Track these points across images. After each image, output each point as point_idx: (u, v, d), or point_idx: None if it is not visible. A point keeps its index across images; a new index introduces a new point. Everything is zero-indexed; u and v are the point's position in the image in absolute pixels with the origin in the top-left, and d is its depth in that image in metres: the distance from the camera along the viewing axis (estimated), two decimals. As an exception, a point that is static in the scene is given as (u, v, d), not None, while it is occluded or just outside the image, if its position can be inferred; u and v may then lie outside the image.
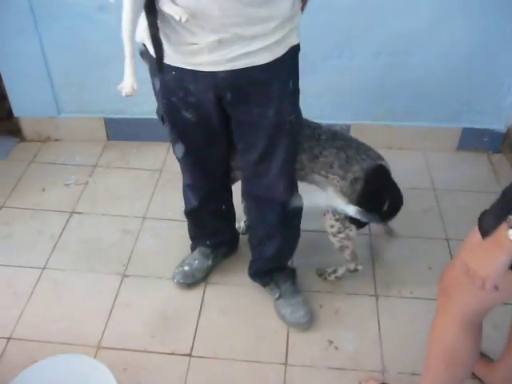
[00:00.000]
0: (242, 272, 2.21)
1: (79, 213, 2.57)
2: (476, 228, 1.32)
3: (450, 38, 2.58)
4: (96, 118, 3.00)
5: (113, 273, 2.26)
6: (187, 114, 1.70)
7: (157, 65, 1.57)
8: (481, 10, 2.50)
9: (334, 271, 2.20)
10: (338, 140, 1.95)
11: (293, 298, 2.10)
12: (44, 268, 2.28)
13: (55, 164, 2.89)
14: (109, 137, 3.06)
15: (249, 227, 2.17)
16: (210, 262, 2.21)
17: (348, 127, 2.88)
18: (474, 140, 2.92)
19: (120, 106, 2.94)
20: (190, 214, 2.14)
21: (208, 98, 1.63)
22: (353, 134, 2.89)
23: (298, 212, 1.98)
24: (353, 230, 1.98)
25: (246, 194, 2.02)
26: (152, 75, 1.71)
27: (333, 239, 2.04)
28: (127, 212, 2.57)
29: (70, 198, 2.65)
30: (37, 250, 2.36)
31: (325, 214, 1.99)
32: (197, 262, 2.20)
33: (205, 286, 2.20)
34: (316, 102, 2.62)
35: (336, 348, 2.00)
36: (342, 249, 2.07)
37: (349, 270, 2.17)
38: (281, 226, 1.97)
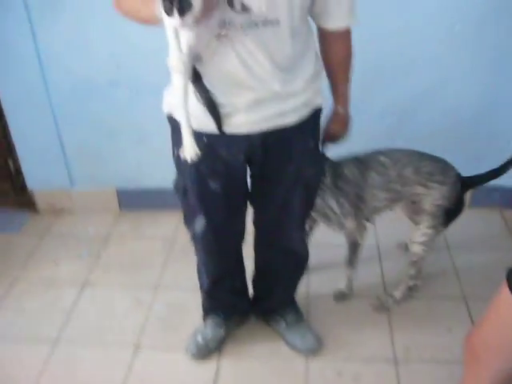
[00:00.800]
0: (255, 341, 2.20)
1: (92, 284, 2.56)
2: (504, 285, 1.26)
3: (455, 99, 2.62)
4: (109, 189, 3.05)
5: (125, 345, 2.22)
6: (213, 185, 1.69)
7: (216, 124, 1.55)
8: (483, 69, 2.55)
9: (392, 296, 2.30)
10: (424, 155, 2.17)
11: (299, 326, 2.17)
12: (56, 341, 2.25)
13: (68, 236, 2.91)
14: (121, 207, 3.09)
15: (257, 272, 2.15)
16: (222, 332, 2.16)
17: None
18: (486, 197, 2.90)
19: (132, 176, 2.99)
20: (204, 291, 2.11)
21: (238, 162, 1.67)
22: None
23: (305, 260, 2.09)
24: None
25: (260, 243, 2.03)
26: (176, 144, 1.62)
27: (418, 249, 2.19)
28: (140, 282, 2.56)
29: (82, 269, 2.65)
30: (49, 324, 2.34)
31: (418, 223, 2.16)
32: (209, 332, 2.15)
33: (219, 357, 2.15)
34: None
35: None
36: (417, 262, 2.23)
37: (409, 288, 2.28)
38: (291, 274, 2.10)
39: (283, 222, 1.87)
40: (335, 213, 2.11)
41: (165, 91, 1.69)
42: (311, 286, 2.45)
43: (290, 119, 1.61)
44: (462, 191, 2.18)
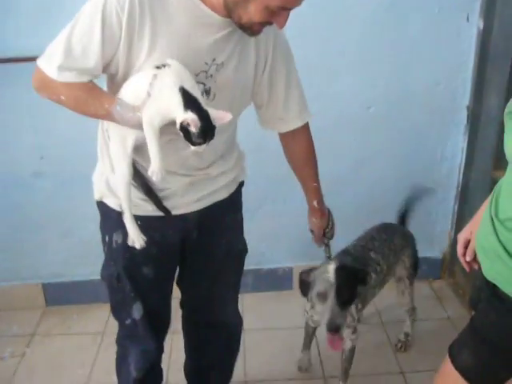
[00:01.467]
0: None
1: (16, 388, 2.39)
2: (447, 359, 1.48)
3: (375, 175, 2.74)
4: (33, 284, 2.91)
5: None
6: (146, 269, 1.65)
7: (161, 210, 1.54)
8: (401, 147, 2.71)
9: (406, 334, 2.53)
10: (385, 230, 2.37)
11: None
12: None
13: (-10, 337, 2.73)
14: (47, 302, 2.95)
15: (189, 357, 2.07)
16: None
17: (291, 269, 2.91)
18: (414, 269, 2.98)
19: (58, 269, 2.88)
20: None
21: (172, 245, 1.66)
22: (296, 275, 2.91)
23: (240, 330, 2.04)
24: None
25: (191, 323, 1.98)
26: (109, 231, 1.63)
27: (408, 301, 2.48)
28: (68, 382, 2.41)
29: (5, 372, 2.47)
30: None
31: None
32: None
33: None
34: (256, 249, 2.64)
35: None
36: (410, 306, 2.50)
37: (413, 319, 2.53)
38: (226, 349, 2.01)
39: (216, 295, 1.85)
40: (354, 318, 2.11)
41: (94, 177, 1.66)
42: (248, 371, 2.39)
43: (222, 195, 1.67)
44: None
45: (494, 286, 1.35)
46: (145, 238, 1.48)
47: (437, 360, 2.36)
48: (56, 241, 2.80)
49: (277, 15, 1.33)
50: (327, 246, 1.95)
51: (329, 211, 1.93)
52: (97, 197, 1.64)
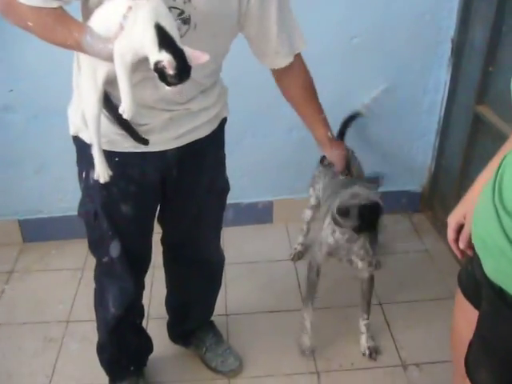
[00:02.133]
0: (176, 368, 2.14)
1: (-4, 324, 2.39)
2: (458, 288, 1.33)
3: (357, 107, 2.68)
4: (10, 221, 2.86)
5: (37, 386, 2.09)
6: (125, 208, 1.62)
7: (139, 142, 1.48)
8: (382, 82, 2.64)
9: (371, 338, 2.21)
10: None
11: (219, 348, 2.13)
12: (-41, 391, 2.08)
13: (-33, 274, 2.71)
14: (25, 239, 2.91)
15: (171, 292, 2.09)
16: None
17: (271, 203, 2.90)
18: (393, 202, 2.99)
19: (34, 205, 2.83)
20: (106, 328, 1.89)
21: (152, 182, 1.62)
22: (276, 209, 2.93)
23: (222, 266, 2.06)
24: None
25: (173, 261, 1.98)
26: (85, 167, 1.57)
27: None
28: (49, 317, 2.41)
29: (-15, 309, 2.47)
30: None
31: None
32: None
33: (139, 387, 2.05)
34: (236, 183, 2.61)
35: None
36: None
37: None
38: (208, 285, 2.04)
39: (198, 233, 1.84)
40: (367, 252, 2.04)
41: (69, 111, 1.59)
42: (229, 305, 2.41)
43: (204, 132, 1.61)
44: None
45: (500, 288, 1.11)
46: (110, 173, 1.43)
47: (414, 291, 2.45)
48: (31, 176, 2.73)
49: None
50: (352, 175, 1.92)
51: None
52: (72, 131, 1.58)
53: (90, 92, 1.35)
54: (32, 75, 2.44)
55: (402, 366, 2.14)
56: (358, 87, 2.64)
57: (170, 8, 1.26)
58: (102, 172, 1.43)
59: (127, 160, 1.53)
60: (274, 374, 2.11)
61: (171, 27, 1.20)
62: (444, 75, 2.66)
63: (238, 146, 2.67)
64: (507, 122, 2.21)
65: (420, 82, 2.69)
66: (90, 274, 2.56)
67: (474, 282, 1.21)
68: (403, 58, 2.60)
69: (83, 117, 1.45)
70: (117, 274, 1.76)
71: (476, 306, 1.23)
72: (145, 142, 1.49)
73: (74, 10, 1.33)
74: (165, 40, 1.17)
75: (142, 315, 2.00)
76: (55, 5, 1.25)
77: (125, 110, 1.25)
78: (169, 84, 1.21)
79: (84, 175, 1.61)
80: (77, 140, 1.59)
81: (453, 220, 1.35)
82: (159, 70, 1.18)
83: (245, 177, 2.78)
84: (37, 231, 2.87)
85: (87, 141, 1.50)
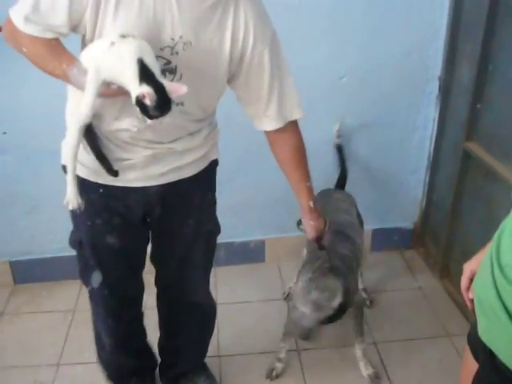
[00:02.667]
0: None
1: (-15, 369, 2.35)
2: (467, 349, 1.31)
3: (348, 146, 2.71)
4: (1, 262, 2.84)
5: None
6: (111, 239, 1.64)
7: (110, 174, 1.50)
8: (372, 118, 2.68)
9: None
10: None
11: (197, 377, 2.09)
12: None
13: (-44, 317, 2.67)
14: (16, 280, 2.88)
15: (163, 334, 2.05)
16: None
17: (263, 242, 2.90)
18: (385, 240, 3.00)
19: (26, 246, 2.81)
20: (105, 357, 1.97)
21: (136, 217, 1.63)
22: (268, 248, 2.92)
23: (214, 311, 2.03)
24: None
25: (164, 302, 1.97)
26: None
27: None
28: (39, 361, 2.37)
29: (-26, 353, 2.43)
30: None
31: None
32: None
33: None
34: (227, 222, 2.61)
35: None
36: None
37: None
38: (200, 329, 2.01)
39: (186, 276, 1.83)
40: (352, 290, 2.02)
41: (62, 142, 1.62)
42: (221, 346, 2.38)
43: (189, 172, 1.61)
44: None
45: (491, 351, 1.07)
46: (80, 201, 1.45)
47: (408, 330, 2.43)
48: (23, 217, 2.72)
49: None
50: (324, 248, 1.81)
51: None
52: (62, 161, 1.60)
53: (72, 121, 1.40)
54: (25, 118, 2.45)
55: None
56: (347, 125, 2.67)
57: (157, 57, 1.31)
58: (71, 199, 1.45)
59: (111, 192, 1.56)
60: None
61: (153, 63, 1.26)
62: (432, 112, 2.70)
63: (228, 184, 2.68)
64: (496, 157, 2.23)
65: (409, 119, 2.72)
66: (80, 316, 2.58)
67: (480, 342, 1.14)
68: (392, 95, 2.64)
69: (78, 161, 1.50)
70: (101, 303, 1.79)
71: (478, 362, 1.22)
72: (114, 173, 1.51)
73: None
74: (146, 74, 1.23)
75: (139, 342, 2.00)
76: (50, 36, 1.33)
77: (81, 114, 1.32)
78: (150, 117, 1.26)
79: None
80: (65, 169, 1.58)
81: (468, 268, 1.30)
82: (140, 103, 1.23)
83: (236, 216, 2.78)
84: (28, 272, 2.84)
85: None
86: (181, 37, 1.35)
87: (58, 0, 1.29)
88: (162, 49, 1.35)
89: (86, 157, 1.52)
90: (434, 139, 2.75)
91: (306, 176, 1.70)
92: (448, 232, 2.70)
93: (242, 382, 2.21)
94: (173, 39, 1.35)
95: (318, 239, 1.79)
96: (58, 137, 2.36)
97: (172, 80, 1.38)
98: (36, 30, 1.32)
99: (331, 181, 2.63)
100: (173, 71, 1.38)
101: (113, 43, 1.25)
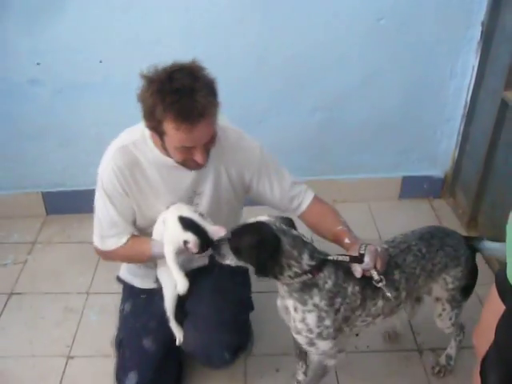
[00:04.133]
0: None
1: (18, 293, 2.44)
2: (493, 287, 1.33)
3: (382, 91, 2.66)
4: (34, 193, 2.91)
5: (57, 355, 2.14)
6: (147, 342, 1.85)
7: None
8: (409, 64, 2.61)
9: (448, 357, 2.03)
10: (431, 240, 1.70)
11: None
12: (-18, 356, 2.13)
13: (-9, 243, 2.77)
14: (48, 211, 2.96)
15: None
16: None
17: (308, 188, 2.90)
18: (415, 188, 2.98)
19: (58, 179, 2.87)
20: None
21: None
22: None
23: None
24: None
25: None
26: (123, 301, 2.00)
27: (451, 330, 1.91)
28: (70, 289, 2.46)
29: (8, 278, 2.53)
30: (-27, 338, 2.21)
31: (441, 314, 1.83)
32: None
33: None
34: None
35: (297, 413, 1.92)
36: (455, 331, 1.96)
37: (459, 341, 2.01)
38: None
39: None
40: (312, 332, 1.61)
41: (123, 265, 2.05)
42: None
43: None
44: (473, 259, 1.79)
45: None
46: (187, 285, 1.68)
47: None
48: (55, 150, 2.77)
49: (191, 153, 1.55)
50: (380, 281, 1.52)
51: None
52: (122, 276, 2.05)
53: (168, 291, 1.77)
54: (59, 49, 2.45)
55: (417, 351, 2.14)
56: (383, 69, 2.61)
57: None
58: (182, 285, 1.66)
59: (152, 297, 1.87)
60: None
61: (193, 216, 1.62)
62: (472, 59, 2.62)
63: (259, 125, 2.68)
64: (536, 108, 2.17)
65: (447, 66, 2.65)
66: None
67: (508, 283, 1.17)
68: (431, 40, 2.56)
69: (128, 268, 2.01)
70: None
71: (505, 304, 1.23)
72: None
73: None
74: (187, 224, 1.60)
75: None
76: (125, 240, 1.74)
77: (178, 286, 1.63)
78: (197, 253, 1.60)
79: (121, 307, 2.00)
80: (119, 279, 2.05)
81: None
82: (187, 247, 1.59)
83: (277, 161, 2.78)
84: (59, 204, 2.91)
85: (126, 280, 2.01)
86: (194, 191, 1.75)
87: (111, 214, 1.70)
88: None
89: (135, 268, 1.95)
90: (471, 87, 2.68)
91: (339, 224, 1.76)
92: (479, 183, 2.66)
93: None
94: (190, 197, 1.76)
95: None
96: (92, 70, 2.38)
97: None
98: (112, 242, 1.74)
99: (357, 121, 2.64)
100: (201, 215, 1.69)
101: (163, 221, 1.67)
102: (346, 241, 1.65)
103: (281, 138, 2.73)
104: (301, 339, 1.60)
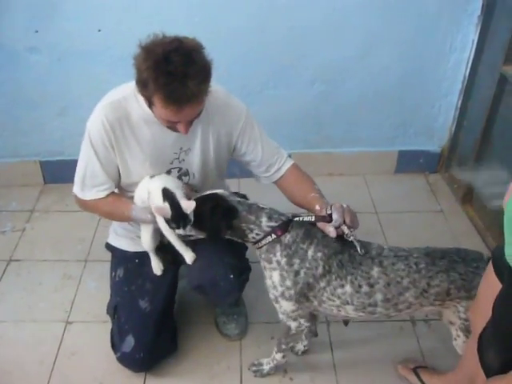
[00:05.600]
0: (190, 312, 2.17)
1: (17, 260, 2.47)
2: (490, 264, 1.34)
3: (381, 63, 2.66)
4: (31, 162, 2.92)
5: (55, 320, 2.17)
6: (143, 303, 1.89)
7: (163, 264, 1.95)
8: (408, 37, 2.60)
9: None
10: (437, 260, 1.61)
11: (230, 309, 2.16)
12: (-19, 321, 2.17)
13: (-11, 211, 2.78)
14: (46, 180, 2.98)
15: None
16: None
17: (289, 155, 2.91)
18: (411, 162, 3.00)
19: (56, 147, 2.87)
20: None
21: (166, 277, 1.95)
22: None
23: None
24: None
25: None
26: (114, 267, 2.03)
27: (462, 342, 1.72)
28: (68, 256, 2.49)
29: (6, 245, 2.55)
30: (-28, 303, 2.24)
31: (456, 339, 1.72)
32: None
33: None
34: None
35: (291, 379, 1.96)
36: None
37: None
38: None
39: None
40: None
41: (111, 229, 2.12)
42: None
43: None
44: None
45: None
46: (162, 267, 1.94)
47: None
48: (54, 119, 2.77)
49: (175, 124, 1.61)
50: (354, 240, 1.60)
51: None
52: (109, 240, 2.11)
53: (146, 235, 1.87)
54: (58, 17, 2.44)
55: (410, 322, 2.18)
56: (382, 41, 2.61)
57: (171, 169, 1.81)
58: (156, 268, 1.94)
59: (144, 260, 1.94)
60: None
61: (174, 189, 1.66)
62: (472, 33, 2.61)
63: (259, 95, 2.68)
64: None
65: (447, 40, 2.64)
66: (108, 216, 2.65)
67: (505, 260, 1.17)
68: (431, 13, 2.55)
69: (115, 229, 2.08)
70: (130, 366, 1.92)
71: (502, 281, 1.25)
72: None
73: None
74: (167, 196, 1.64)
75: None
76: (104, 194, 1.80)
77: (186, 259, 1.78)
78: (171, 227, 1.67)
79: (113, 274, 2.02)
80: (109, 246, 2.11)
81: None
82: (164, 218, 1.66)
83: (264, 128, 2.78)
84: (57, 173, 2.92)
85: (115, 245, 2.06)
86: (181, 148, 1.79)
87: (94, 166, 1.76)
88: (171, 162, 1.80)
89: (125, 232, 2.02)
90: (470, 62, 2.68)
91: (312, 191, 1.80)
92: (475, 158, 2.68)
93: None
94: (175, 153, 1.79)
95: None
96: (91, 38, 2.37)
97: (188, 180, 1.85)
98: (92, 194, 1.80)
99: (356, 94, 2.58)
100: (186, 173, 1.84)
101: (149, 192, 1.70)
102: (317, 207, 1.71)
103: (278, 109, 2.74)
104: (270, 296, 1.72)
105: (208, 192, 1.69)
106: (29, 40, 2.50)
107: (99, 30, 2.47)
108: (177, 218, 1.62)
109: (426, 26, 2.59)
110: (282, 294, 1.66)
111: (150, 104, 1.57)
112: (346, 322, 1.86)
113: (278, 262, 1.63)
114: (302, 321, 1.75)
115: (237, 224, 1.64)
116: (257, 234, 1.64)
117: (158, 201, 1.65)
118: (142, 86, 1.52)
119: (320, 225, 1.62)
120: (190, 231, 1.68)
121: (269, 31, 2.52)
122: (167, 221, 1.65)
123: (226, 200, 1.65)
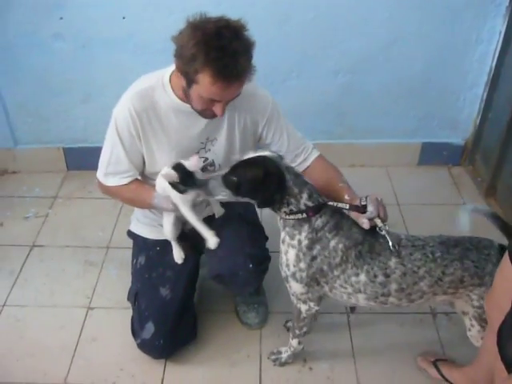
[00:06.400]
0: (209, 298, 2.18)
1: (40, 246, 2.50)
2: (506, 256, 1.33)
3: (405, 54, 2.63)
4: (55, 149, 2.95)
5: (77, 306, 2.20)
6: (164, 291, 1.89)
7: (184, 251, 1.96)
8: (434, 28, 2.57)
9: None
10: (451, 248, 1.61)
11: (250, 298, 2.15)
12: (4, 305, 2.20)
13: (13, 197, 2.82)
14: (69, 167, 3.00)
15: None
16: None
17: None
18: (434, 154, 2.97)
19: (79, 135, 2.89)
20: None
21: (188, 264, 1.95)
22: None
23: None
24: None
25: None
26: (136, 255, 2.04)
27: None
28: (90, 243, 2.51)
29: (29, 231, 2.58)
30: (-4, 287, 2.28)
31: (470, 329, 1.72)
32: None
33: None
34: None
35: (310, 368, 1.97)
36: None
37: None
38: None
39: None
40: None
41: (132, 217, 2.15)
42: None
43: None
44: None
45: None
46: (183, 257, 1.95)
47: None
48: (78, 106, 2.79)
49: (212, 105, 1.59)
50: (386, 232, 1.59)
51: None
52: (132, 228, 2.12)
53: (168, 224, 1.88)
54: (82, 4, 2.45)
55: (431, 314, 2.17)
56: (407, 33, 2.57)
57: (200, 157, 1.75)
58: (177, 255, 1.95)
59: (166, 247, 1.95)
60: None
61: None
62: (499, 25, 2.57)
63: (282, 85, 2.68)
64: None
65: (473, 31, 2.60)
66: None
67: None
68: (458, 4, 2.51)
69: (137, 217, 2.09)
70: (150, 352, 1.94)
71: None
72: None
73: None
74: (173, 164, 1.63)
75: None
76: (126, 181, 1.81)
77: (210, 243, 1.77)
78: (180, 191, 1.64)
79: (134, 261, 2.03)
80: (130, 233, 2.12)
81: None
82: (171, 184, 1.64)
83: (287, 118, 2.77)
84: (80, 160, 2.94)
85: (137, 233, 2.07)
86: (207, 138, 1.79)
87: (119, 153, 1.77)
88: (197, 152, 1.79)
89: (147, 220, 2.03)
90: (497, 53, 2.63)
91: (341, 182, 1.81)
92: (500, 151, 2.65)
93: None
94: (202, 143, 1.80)
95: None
96: (116, 26, 2.37)
97: (214, 170, 1.84)
98: (115, 180, 1.82)
99: (380, 85, 2.56)
100: (212, 164, 1.84)
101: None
102: (346, 197, 1.71)
103: (302, 99, 2.73)
104: (282, 272, 1.71)
105: (255, 155, 1.56)
106: (53, 27, 2.52)
107: (124, 18, 2.47)
108: (183, 179, 1.60)
109: (452, 17, 2.56)
110: (293, 275, 1.65)
111: (190, 83, 1.55)
112: (352, 309, 1.86)
113: (300, 242, 1.60)
114: (312, 304, 1.75)
115: (283, 196, 1.55)
116: (291, 210, 1.56)
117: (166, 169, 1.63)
118: (188, 61, 1.49)
119: (354, 214, 1.61)
120: (224, 195, 1.57)
121: (292, 21, 2.50)
122: (174, 186, 1.63)
123: (278, 166, 1.54)
